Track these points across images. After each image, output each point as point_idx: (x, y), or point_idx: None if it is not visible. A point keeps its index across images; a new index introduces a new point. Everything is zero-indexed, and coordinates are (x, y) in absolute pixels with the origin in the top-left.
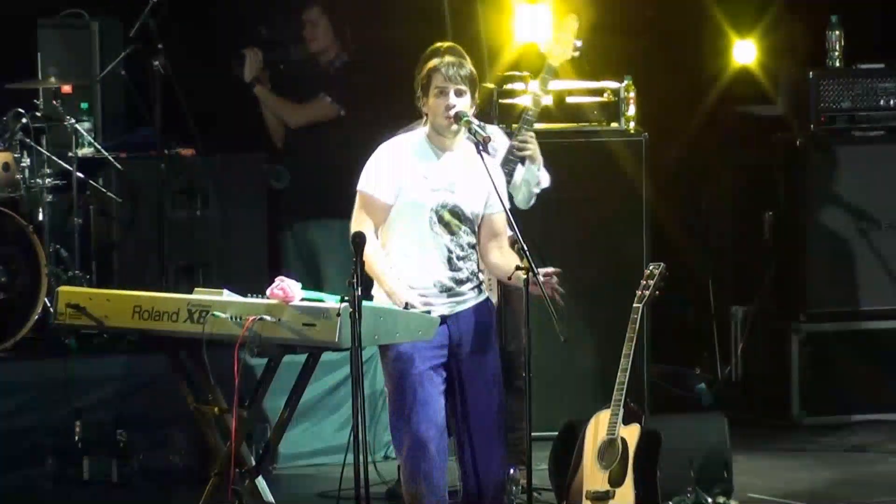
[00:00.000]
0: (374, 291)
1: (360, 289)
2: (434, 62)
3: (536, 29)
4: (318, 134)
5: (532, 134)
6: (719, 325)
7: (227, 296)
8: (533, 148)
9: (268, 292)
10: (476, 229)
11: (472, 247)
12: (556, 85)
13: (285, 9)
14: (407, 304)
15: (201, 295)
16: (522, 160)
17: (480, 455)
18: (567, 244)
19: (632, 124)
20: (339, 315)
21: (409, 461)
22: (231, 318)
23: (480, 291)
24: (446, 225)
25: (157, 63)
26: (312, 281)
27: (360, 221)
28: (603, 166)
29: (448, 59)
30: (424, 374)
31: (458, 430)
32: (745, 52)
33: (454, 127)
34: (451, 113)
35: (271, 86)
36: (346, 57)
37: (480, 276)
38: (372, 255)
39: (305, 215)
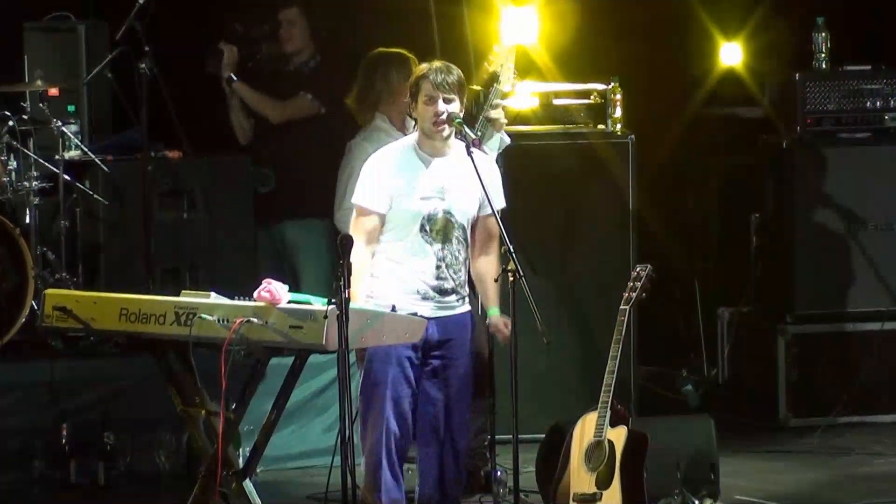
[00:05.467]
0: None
1: (347, 291)
2: (423, 69)
3: (523, 31)
4: (296, 134)
5: (502, 105)
6: (706, 327)
7: (214, 298)
8: (503, 117)
9: (255, 294)
10: (468, 236)
11: (463, 257)
12: (543, 87)
13: (258, 6)
14: None
15: (188, 297)
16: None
17: (442, 459)
18: (553, 246)
19: (618, 126)
20: (326, 317)
21: (374, 453)
22: (218, 320)
23: (463, 302)
24: (437, 233)
25: (143, 66)
26: (290, 281)
27: (355, 232)
28: (589, 168)
29: (437, 65)
30: (399, 373)
31: (423, 434)
32: (731, 54)
33: (446, 132)
34: (443, 118)
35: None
36: (319, 58)
37: (464, 289)
38: (354, 264)
39: (283, 215)
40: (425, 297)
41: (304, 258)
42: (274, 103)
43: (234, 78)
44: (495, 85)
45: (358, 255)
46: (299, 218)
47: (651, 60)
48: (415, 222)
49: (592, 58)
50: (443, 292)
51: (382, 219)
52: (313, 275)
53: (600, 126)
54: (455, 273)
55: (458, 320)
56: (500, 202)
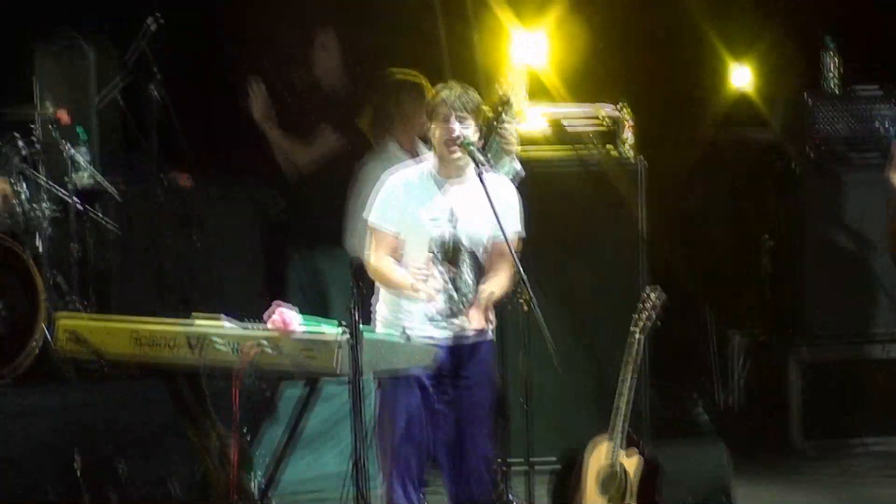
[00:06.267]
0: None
1: (358, 316)
2: (439, 90)
3: (533, 54)
4: (324, 164)
5: (514, 128)
6: (718, 352)
7: (225, 323)
8: (514, 143)
9: (266, 320)
10: (479, 261)
11: (474, 283)
12: (552, 110)
13: (287, 34)
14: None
15: (200, 322)
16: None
17: (466, 486)
18: (564, 269)
19: (628, 147)
20: (339, 345)
21: (387, 477)
22: (230, 347)
23: (483, 334)
24: (446, 256)
25: (153, 90)
26: (320, 311)
27: (376, 253)
28: (600, 192)
29: (453, 86)
30: (413, 398)
31: (448, 461)
32: (741, 76)
33: (457, 154)
34: (454, 137)
35: (277, 117)
36: (350, 84)
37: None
38: (378, 263)
39: (311, 245)
40: (435, 322)
41: (333, 287)
42: (301, 150)
43: (265, 123)
44: (507, 108)
45: (381, 261)
46: (327, 247)
47: (661, 82)
48: (424, 245)
49: (602, 80)
50: (455, 316)
51: (396, 239)
52: (343, 303)
53: (609, 146)
54: (467, 298)
55: (474, 351)
56: (514, 226)
